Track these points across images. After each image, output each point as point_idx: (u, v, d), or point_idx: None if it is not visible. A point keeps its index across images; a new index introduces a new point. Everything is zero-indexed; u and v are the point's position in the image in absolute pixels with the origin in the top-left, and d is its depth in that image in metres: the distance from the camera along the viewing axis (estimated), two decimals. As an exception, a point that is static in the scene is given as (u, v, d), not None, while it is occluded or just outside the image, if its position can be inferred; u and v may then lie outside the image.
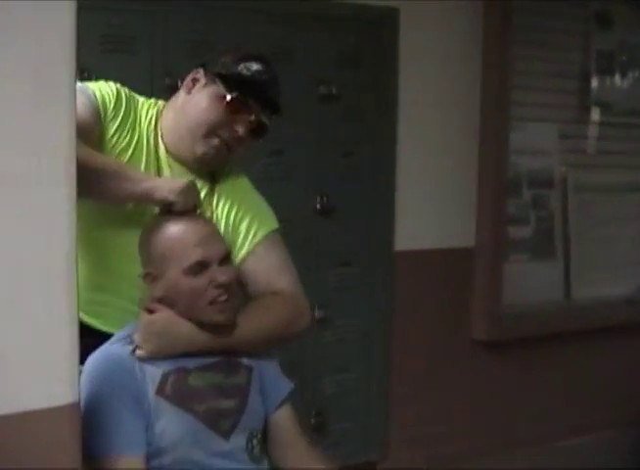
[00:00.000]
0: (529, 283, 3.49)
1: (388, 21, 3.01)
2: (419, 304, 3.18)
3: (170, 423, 1.56)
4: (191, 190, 1.69)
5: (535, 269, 3.53)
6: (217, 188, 1.83)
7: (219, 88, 1.75)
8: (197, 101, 1.77)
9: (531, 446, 3.40)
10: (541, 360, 3.50)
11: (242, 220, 1.81)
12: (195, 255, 1.58)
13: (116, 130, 1.77)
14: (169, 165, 1.80)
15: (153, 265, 1.62)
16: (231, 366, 1.66)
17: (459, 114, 3.26)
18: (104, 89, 1.78)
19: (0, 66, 1.10)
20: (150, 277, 1.63)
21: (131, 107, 1.81)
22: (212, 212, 1.79)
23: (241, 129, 1.75)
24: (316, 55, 2.88)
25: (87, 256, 1.72)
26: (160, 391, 1.57)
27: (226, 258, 1.64)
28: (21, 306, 1.14)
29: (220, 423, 1.60)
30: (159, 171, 1.79)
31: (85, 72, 2.38)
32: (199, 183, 1.77)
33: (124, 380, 1.56)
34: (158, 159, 1.79)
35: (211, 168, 1.82)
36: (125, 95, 1.81)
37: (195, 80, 1.80)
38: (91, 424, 1.46)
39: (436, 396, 3.25)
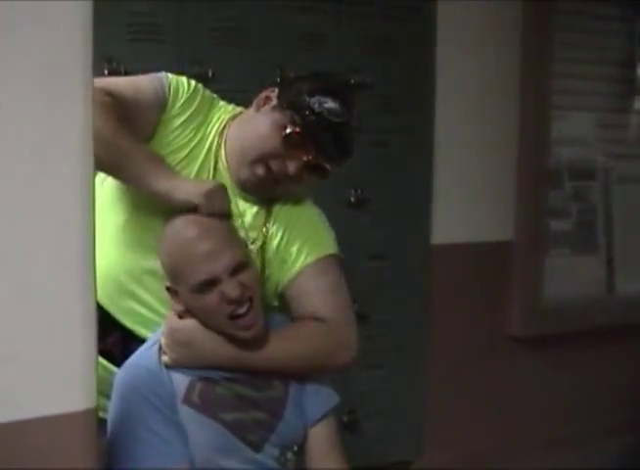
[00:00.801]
0: (571, 277, 3.40)
1: (425, 6, 2.92)
2: (455, 299, 3.10)
3: (198, 431, 1.49)
4: (218, 193, 1.54)
5: (577, 263, 3.44)
6: (275, 208, 1.70)
7: (284, 116, 1.61)
8: (259, 123, 1.64)
9: (571, 447, 3.30)
10: (582, 358, 3.40)
11: (294, 241, 1.68)
12: (200, 274, 1.46)
13: (180, 126, 1.65)
14: (224, 178, 1.67)
15: (169, 280, 1.54)
16: (262, 381, 1.57)
17: (498, 102, 3.16)
18: (181, 83, 1.67)
19: (7, 60, 1.03)
20: (170, 291, 1.54)
21: (204, 107, 1.68)
22: (263, 231, 1.68)
23: (292, 167, 1.60)
24: (349, 42, 2.80)
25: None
26: (186, 399, 1.50)
27: (239, 268, 1.49)
28: (34, 308, 1.09)
29: (250, 435, 1.53)
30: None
31: (114, 62, 2.34)
32: (252, 200, 1.67)
33: (155, 388, 1.49)
34: (216, 168, 1.67)
35: (262, 195, 1.70)
36: (202, 95, 1.69)
37: (267, 99, 1.66)
38: (127, 437, 1.40)
39: (472, 393, 3.17)
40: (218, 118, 1.70)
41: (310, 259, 1.67)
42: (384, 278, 2.95)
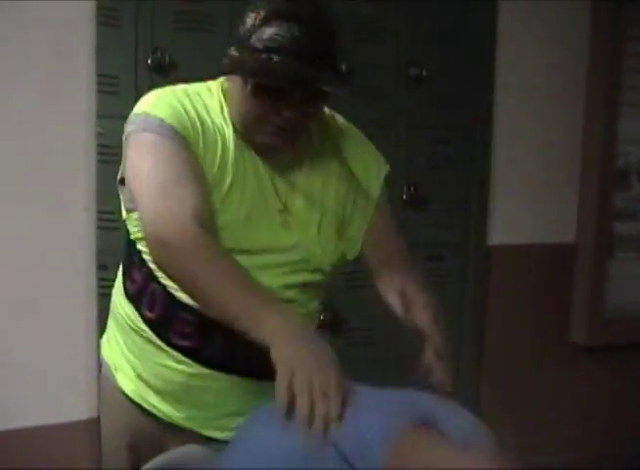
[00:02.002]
0: (638, 283, 3.23)
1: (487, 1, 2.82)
2: (514, 302, 2.99)
3: None
4: None
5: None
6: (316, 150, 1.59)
7: (241, 73, 1.46)
8: (231, 95, 1.52)
9: (626, 462, 3.14)
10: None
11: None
12: None
13: (204, 150, 1.49)
14: (239, 148, 1.52)
15: None
16: None
17: (562, 98, 3.03)
18: (175, 118, 1.47)
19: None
20: None
21: (197, 119, 1.50)
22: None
23: (287, 113, 1.45)
24: (407, 34, 2.71)
25: None
26: None
27: None
28: (36, 316, 1.04)
29: None
30: (224, 154, 1.52)
31: (158, 51, 2.31)
32: (290, 159, 1.56)
33: None
34: (224, 141, 1.52)
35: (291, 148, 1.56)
36: (186, 111, 1.49)
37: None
38: None
39: (530, 402, 3.05)
40: (211, 108, 1.53)
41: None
42: (439, 279, 2.85)
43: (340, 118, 1.67)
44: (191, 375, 1.53)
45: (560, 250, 3.07)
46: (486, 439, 1.25)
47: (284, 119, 1.46)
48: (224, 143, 1.52)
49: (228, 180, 1.50)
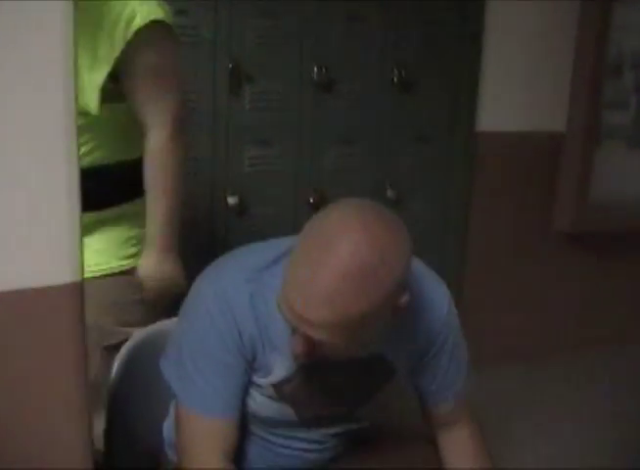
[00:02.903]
0: (624, 173, 3.23)
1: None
2: (500, 190, 3.00)
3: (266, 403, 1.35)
4: None
5: (632, 159, 3.26)
6: None
7: None
8: None
9: (609, 346, 3.22)
10: (630, 257, 3.28)
11: None
12: None
13: None
14: None
15: None
16: None
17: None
18: None
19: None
20: None
21: None
22: None
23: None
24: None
25: None
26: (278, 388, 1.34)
27: None
28: (15, 177, 1.03)
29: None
30: None
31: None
32: None
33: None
34: None
35: None
36: None
37: None
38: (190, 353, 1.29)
39: (514, 288, 3.10)
40: None
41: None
42: (425, 163, 2.85)
43: None
44: None
45: (549, 138, 3.05)
46: None
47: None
48: None
49: None
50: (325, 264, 1.07)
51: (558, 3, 2.96)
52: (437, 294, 1.35)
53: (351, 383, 1.34)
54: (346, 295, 1.07)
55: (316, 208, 2.62)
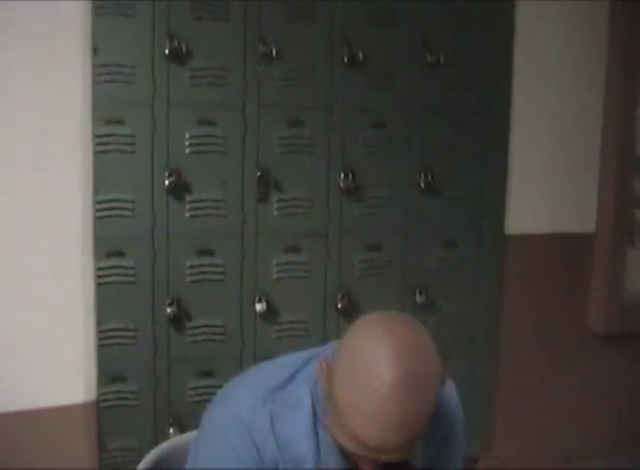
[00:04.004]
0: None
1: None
2: (531, 291, 2.96)
3: None
4: None
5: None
6: None
7: None
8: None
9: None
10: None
11: None
12: None
13: None
14: None
15: None
16: None
17: (581, 82, 2.98)
18: None
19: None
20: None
21: None
22: None
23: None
24: (424, 19, 2.67)
25: None
26: None
27: None
28: (33, 297, 1.04)
29: None
30: None
31: (175, 40, 2.29)
32: None
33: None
34: None
35: None
36: None
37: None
38: None
39: (546, 390, 3.04)
40: None
41: None
42: (455, 266, 2.83)
43: None
44: None
45: (579, 239, 3.02)
46: None
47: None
48: None
49: None
50: (382, 389, 1.07)
51: (581, 97, 2.98)
52: (449, 386, 1.34)
53: None
54: (415, 406, 1.08)
55: (344, 313, 2.61)
